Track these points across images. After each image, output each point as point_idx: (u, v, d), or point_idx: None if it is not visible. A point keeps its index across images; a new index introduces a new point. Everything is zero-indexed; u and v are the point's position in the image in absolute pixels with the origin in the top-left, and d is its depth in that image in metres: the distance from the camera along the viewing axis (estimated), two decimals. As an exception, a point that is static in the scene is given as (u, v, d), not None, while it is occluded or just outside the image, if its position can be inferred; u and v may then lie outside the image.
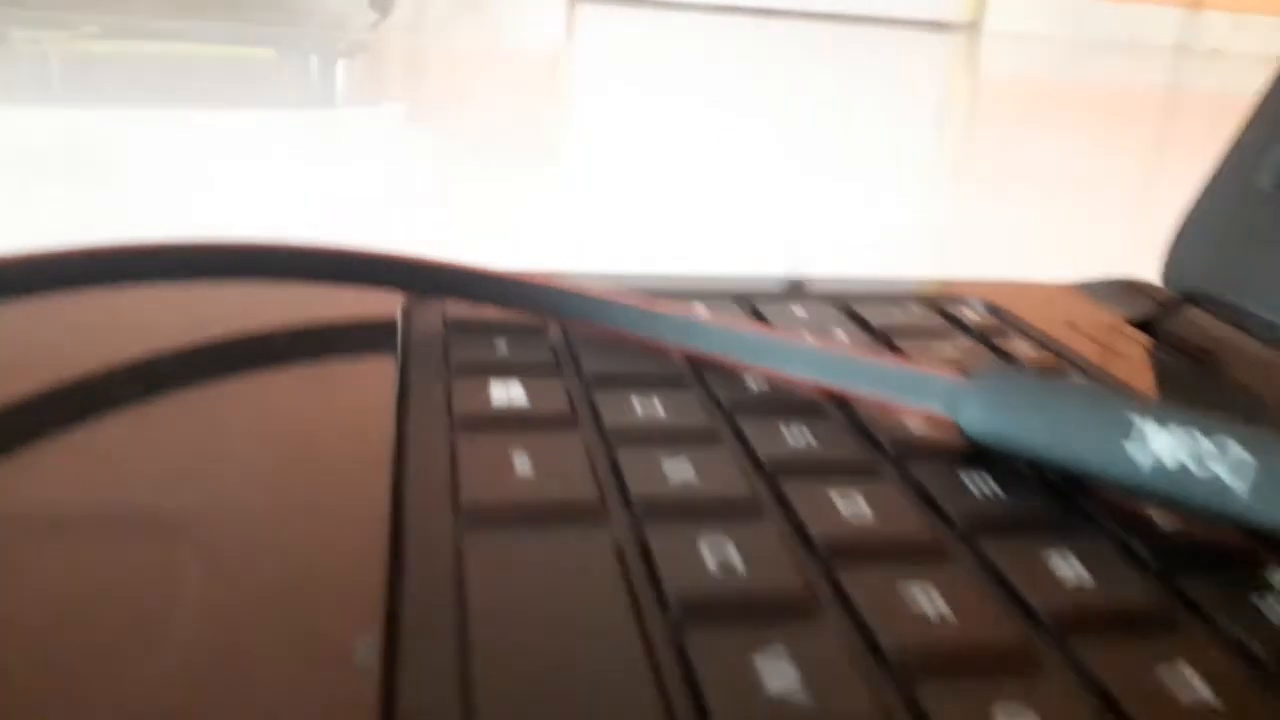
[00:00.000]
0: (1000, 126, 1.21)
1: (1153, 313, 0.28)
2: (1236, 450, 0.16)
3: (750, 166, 0.84)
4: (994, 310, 0.28)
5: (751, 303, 0.27)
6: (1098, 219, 0.72)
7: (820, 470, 0.18)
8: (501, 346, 0.22)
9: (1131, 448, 0.17)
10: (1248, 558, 0.16)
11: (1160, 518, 0.17)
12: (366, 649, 0.13)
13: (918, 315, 0.27)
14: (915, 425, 0.20)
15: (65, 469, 0.16)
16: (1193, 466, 0.17)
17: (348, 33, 1.57)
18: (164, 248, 0.21)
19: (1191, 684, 0.13)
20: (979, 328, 0.26)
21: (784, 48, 1.97)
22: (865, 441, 0.20)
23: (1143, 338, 0.27)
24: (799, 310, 0.27)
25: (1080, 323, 0.28)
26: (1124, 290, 0.30)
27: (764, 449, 0.19)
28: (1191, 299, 0.29)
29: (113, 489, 0.16)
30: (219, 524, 0.15)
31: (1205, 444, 0.17)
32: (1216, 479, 0.16)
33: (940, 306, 0.28)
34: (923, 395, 0.20)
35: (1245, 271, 0.29)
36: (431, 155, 0.80)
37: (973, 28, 2.93)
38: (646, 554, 0.15)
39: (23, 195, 0.58)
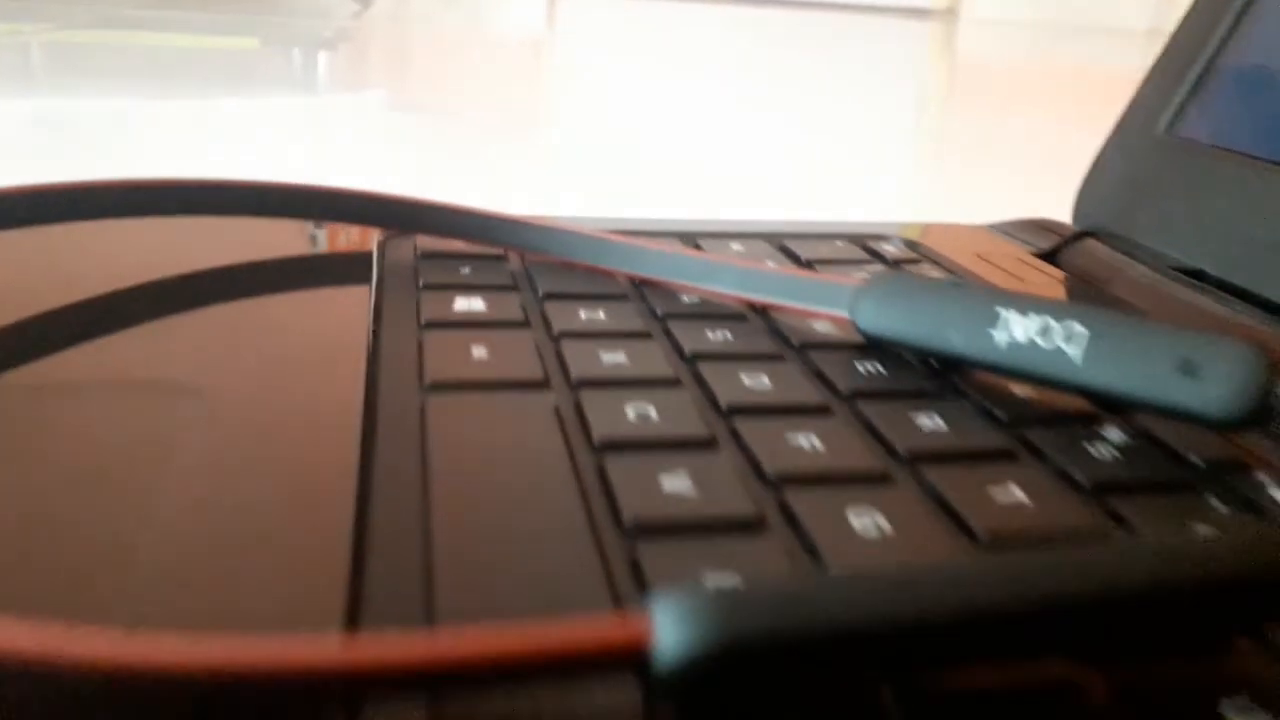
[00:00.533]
0: (974, 106, 1.24)
1: (1055, 245, 0.32)
2: (1075, 326, 0.20)
3: (730, 146, 0.87)
4: (911, 245, 0.31)
5: (694, 240, 0.30)
6: (1062, 184, 0.75)
7: (734, 358, 0.21)
8: (466, 270, 0.25)
9: (995, 332, 0.20)
10: (1082, 414, 0.20)
11: (1017, 389, 0.21)
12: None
13: (841, 249, 0.30)
14: (821, 327, 0.23)
15: (87, 365, 0.20)
16: (1041, 342, 0.20)
17: (330, 22, 1.59)
18: (170, 184, 0.24)
19: (1014, 494, 0.16)
20: (895, 258, 0.30)
21: (764, 35, 1.99)
22: (776, 339, 0.23)
23: (1044, 266, 0.30)
24: (736, 245, 0.30)
25: (989, 255, 0.31)
26: (1032, 227, 0.34)
27: (688, 343, 0.22)
28: (1092, 234, 0.32)
29: (127, 369, 0.19)
30: (222, 394, 0.18)
31: (1052, 323, 0.20)
32: (1059, 350, 0.20)
33: (863, 243, 0.31)
34: (827, 301, 0.23)
35: (1139, 208, 0.33)
36: (413, 140, 0.83)
37: (950, 14, 2.96)
38: (580, 412, 0.18)
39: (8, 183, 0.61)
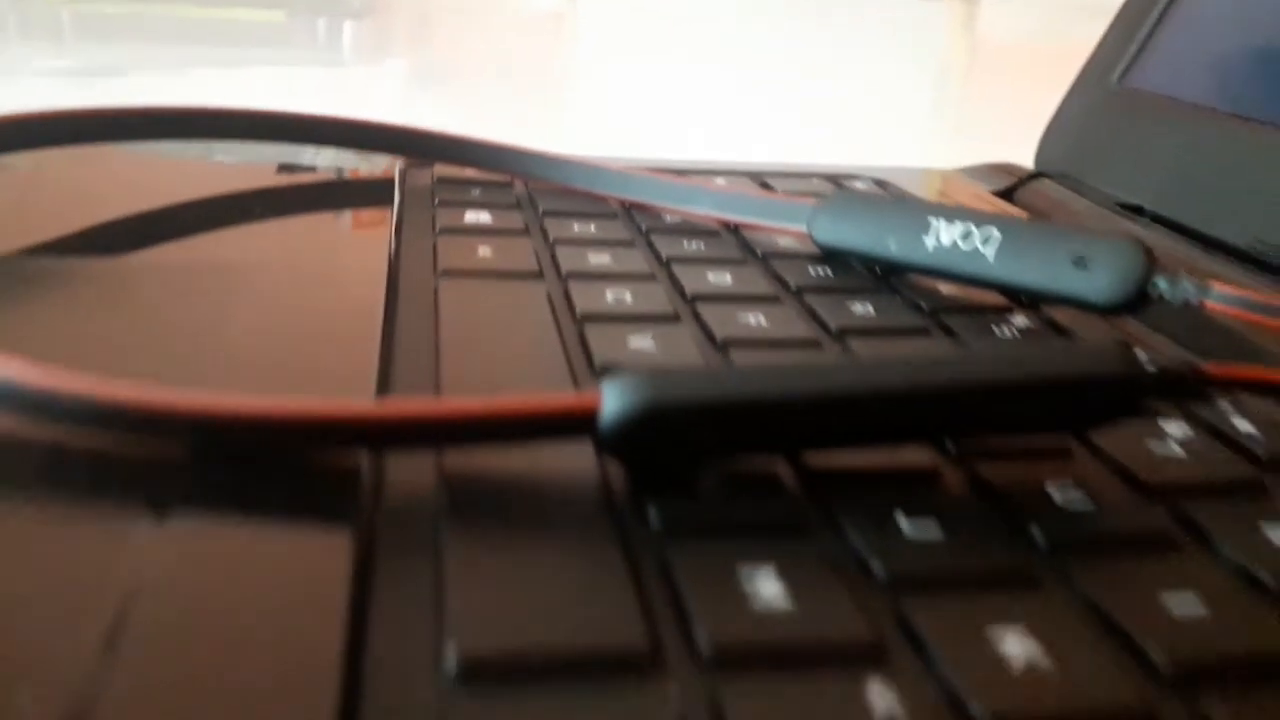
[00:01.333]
0: (993, 82, 1.26)
1: (1011, 184, 0.35)
2: (991, 230, 0.23)
3: (751, 120, 0.90)
4: (880, 184, 0.35)
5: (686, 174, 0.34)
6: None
7: (704, 261, 0.25)
8: (476, 192, 0.29)
9: (926, 238, 0.24)
10: (996, 307, 0.23)
11: (943, 288, 0.24)
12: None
13: (815, 185, 0.33)
14: (785, 242, 0.27)
15: (123, 281, 0.23)
16: (962, 244, 0.23)
17: (356, -3, 1.62)
18: (207, 111, 0.28)
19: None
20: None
21: (787, 11, 2.01)
22: (743, 249, 0.26)
23: (999, 202, 0.34)
24: (720, 180, 0.33)
25: (949, 192, 0.34)
26: (995, 170, 0.37)
27: (665, 250, 0.25)
28: (1046, 175, 0.36)
29: (193, 257, 0.23)
30: (274, 275, 0.22)
31: (973, 228, 0.23)
32: (976, 250, 0.23)
33: (836, 180, 0.34)
34: (788, 218, 0.26)
35: (1088, 152, 0.36)
36: (435, 109, 0.87)
37: (971, -6, 2.96)
38: (567, 296, 0.22)
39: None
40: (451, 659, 0.11)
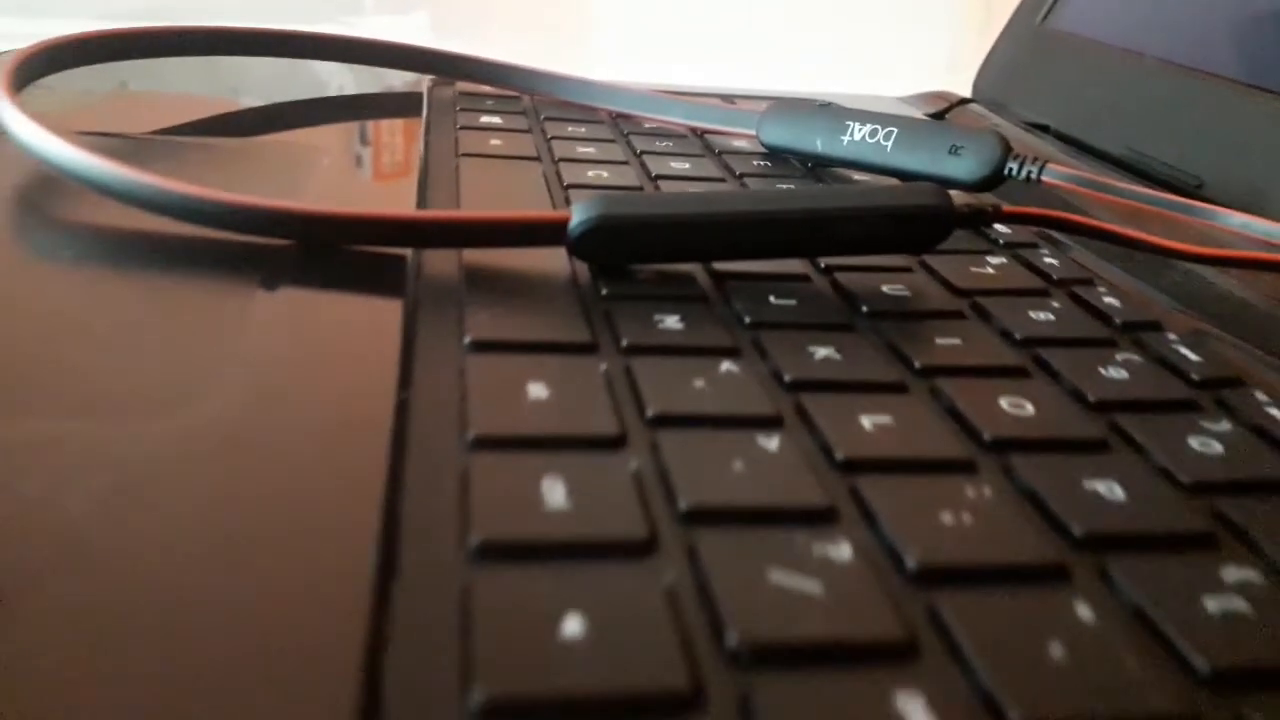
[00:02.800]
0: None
1: (942, 109, 0.41)
2: (890, 127, 0.29)
3: (775, 64, 0.95)
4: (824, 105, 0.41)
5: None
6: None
7: (670, 155, 0.31)
8: (490, 104, 0.35)
9: (844, 137, 0.30)
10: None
11: (855, 177, 0.30)
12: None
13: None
14: (737, 142, 0.33)
15: (242, 152, 0.30)
16: (869, 139, 0.30)
17: (380, -52, 1.67)
18: (246, 31, 0.34)
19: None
20: (815, 111, 0.39)
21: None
22: (704, 148, 0.33)
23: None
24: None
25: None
26: (932, 97, 0.43)
27: (640, 145, 0.32)
28: (973, 100, 0.42)
29: (267, 143, 0.29)
30: (329, 157, 0.29)
31: (878, 127, 0.30)
32: (879, 143, 0.29)
33: (796, 102, 0.41)
34: (741, 123, 0.33)
35: (1010, 82, 0.42)
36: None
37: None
38: (558, 174, 0.28)
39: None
40: (468, 338, 0.17)
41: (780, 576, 0.12)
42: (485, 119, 0.33)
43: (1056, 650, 0.11)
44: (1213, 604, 0.12)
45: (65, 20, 0.33)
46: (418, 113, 0.35)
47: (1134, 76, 0.36)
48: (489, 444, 0.14)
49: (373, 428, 0.15)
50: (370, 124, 0.34)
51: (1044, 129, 0.39)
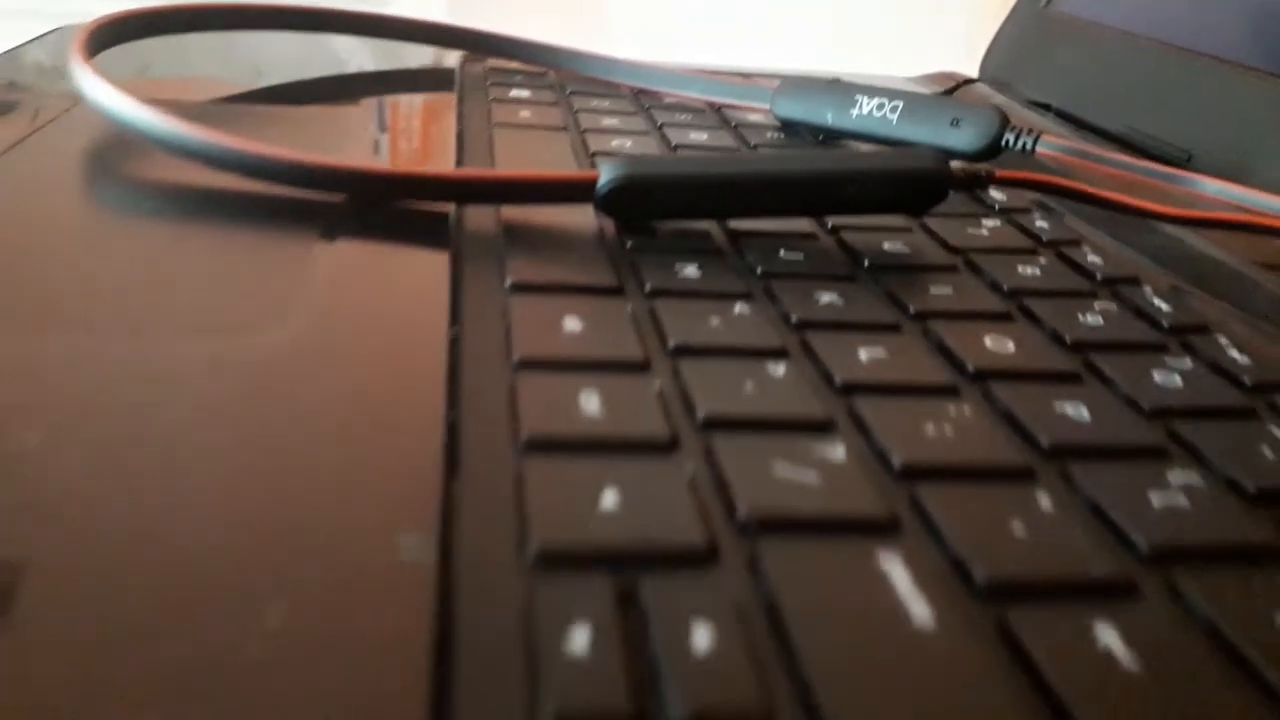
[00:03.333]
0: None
1: (949, 88, 0.43)
2: (897, 101, 0.31)
3: (792, 41, 0.97)
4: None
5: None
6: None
7: (689, 127, 0.33)
8: (519, 79, 0.37)
9: (853, 110, 0.32)
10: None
11: (863, 148, 0.32)
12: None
13: (790, 82, 0.42)
14: (752, 116, 0.35)
15: (294, 119, 0.32)
16: (876, 113, 0.31)
17: (401, -69, 1.69)
18: (302, 8, 0.37)
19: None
20: (827, 89, 0.41)
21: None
22: (721, 120, 0.35)
23: (939, 101, 0.42)
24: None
25: (900, 91, 0.42)
26: (940, 77, 0.45)
27: (660, 118, 0.34)
28: (978, 80, 0.44)
29: (311, 113, 0.32)
30: (370, 128, 0.31)
31: (885, 101, 0.31)
32: (885, 116, 0.31)
33: (809, 80, 0.42)
34: (756, 98, 0.35)
35: (1015, 62, 0.44)
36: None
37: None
38: (584, 142, 0.31)
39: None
40: (509, 280, 0.19)
41: (783, 469, 0.14)
42: (515, 92, 0.35)
43: (1018, 528, 0.13)
44: (1157, 499, 0.15)
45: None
46: (449, 88, 0.37)
47: (1131, 57, 0.38)
48: (532, 365, 0.17)
49: (430, 354, 0.17)
50: (389, 110, 0.36)
51: (1046, 107, 0.40)
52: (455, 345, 0.18)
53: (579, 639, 0.11)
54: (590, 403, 0.15)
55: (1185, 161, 0.33)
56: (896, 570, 0.12)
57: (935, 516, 0.13)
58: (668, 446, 0.15)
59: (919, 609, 0.12)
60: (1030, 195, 0.29)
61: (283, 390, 0.16)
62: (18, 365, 0.16)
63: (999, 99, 0.41)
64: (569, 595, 0.11)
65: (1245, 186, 0.26)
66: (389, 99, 0.35)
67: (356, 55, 0.41)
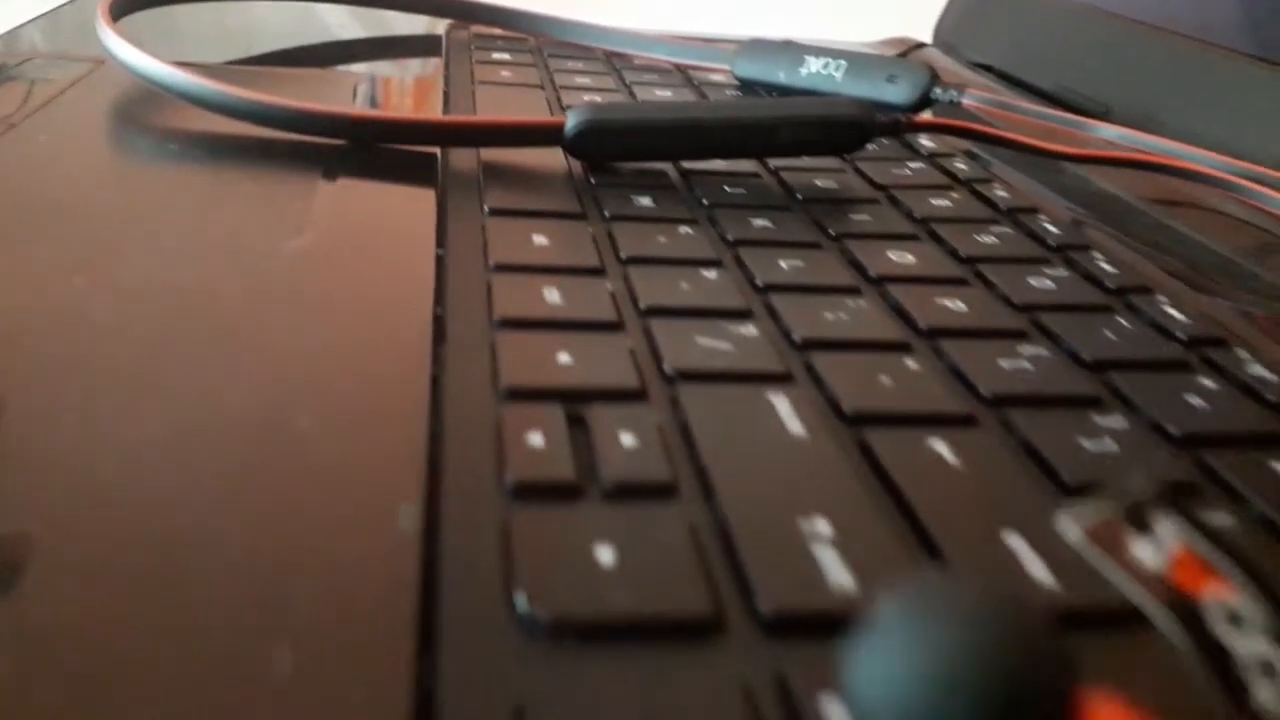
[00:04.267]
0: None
1: (901, 51, 0.46)
2: (841, 61, 0.35)
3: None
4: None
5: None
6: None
7: (655, 85, 0.37)
8: (500, 44, 0.41)
9: (802, 69, 0.36)
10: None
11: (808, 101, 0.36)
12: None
13: (753, 47, 0.45)
14: (715, 76, 0.39)
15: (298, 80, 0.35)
16: (823, 71, 0.35)
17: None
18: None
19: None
20: (787, 53, 0.44)
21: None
22: (685, 80, 0.38)
23: (891, 63, 0.45)
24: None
25: (855, 55, 0.46)
26: (894, 42, 0.48)
27: (629, 77, 0.37)
28: (928, 44, 0.47)
29: (308, 74, 0.35)
30: (363, 84, 0.34)
31: (830, 60, 0.35)
32: (831, 74, 0.35)
33: (771, 45, 0.46)
34: (717, 59, 0.38)
35: (962, 27, 0.47)
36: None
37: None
38: (559, 98, 0.34)
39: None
40: (487, 207, 0.23)
41: (704, 340, 0.18)
42: (496, 55, 0.39)
43: (886, 380, 0.17)
44: (1087, 443, 0.17)
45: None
46: (437, 53, 0.40)
47: (1062, 22, 0.41)
48: (505, 269, 0.20)
49: (421, 265, 0.21)
50: (380, 71, 0.39)
51: (988, 68, 0.44)
52: (441, 259, 0.21)
53: (535, 439, 0.14)
54: (552, 295, 0.19)
55: (1105, 114, 0.36)
56: (783, 404, 0.16)
57: (821, 372, 0.17)
58: (615, 326, 0.18)
59: (795, 426, 0.15)
60: (959, 144, 0.33)
61: (296, 290, 0.19)
62: (68, 264, 0.19)
63: (945, 61, 0.45)
64: (530, 414, 0.15)
65: (1138, 131, 0.30)
66: (381, 63, 0.38)
67: (349, 27, 0.44)
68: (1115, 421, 0.17)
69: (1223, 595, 0.08)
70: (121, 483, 0.13)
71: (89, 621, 0.11)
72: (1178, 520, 0.09)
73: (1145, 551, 0.09)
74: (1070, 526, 0.09)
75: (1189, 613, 0.08)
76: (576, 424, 0.15)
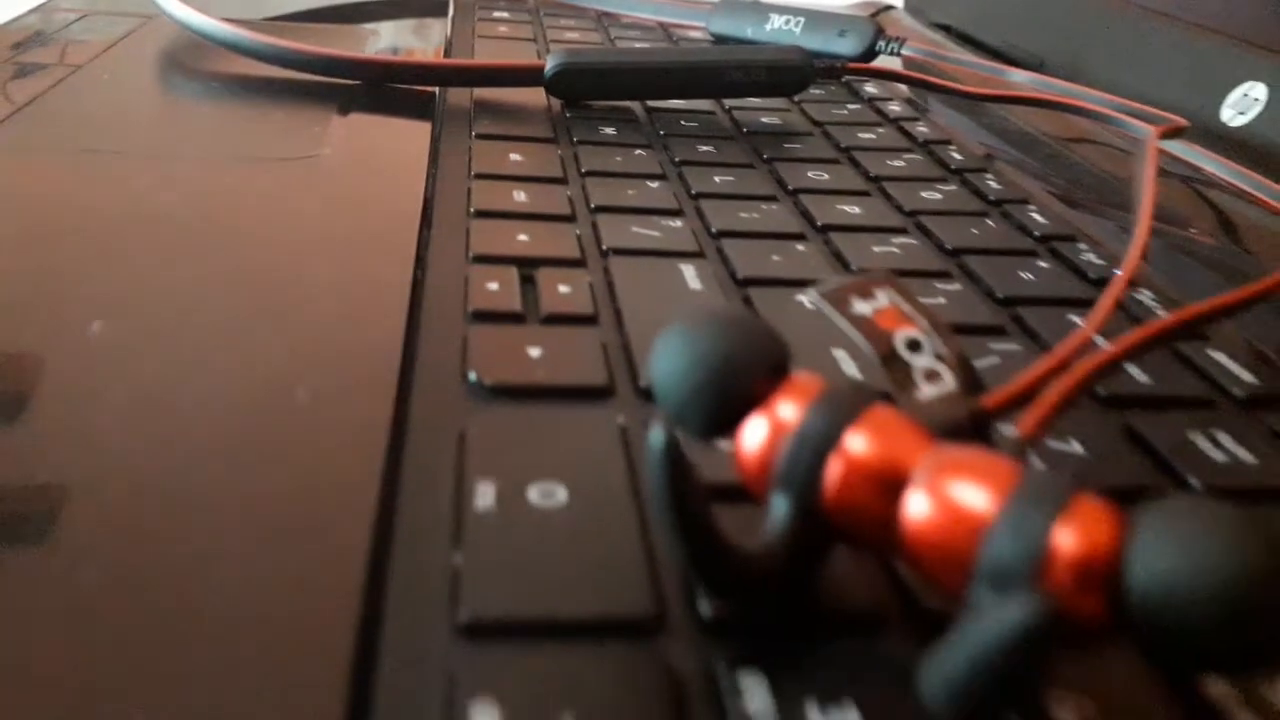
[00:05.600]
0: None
1: (871, 13, 0.50)
2: (800, 17, 0.39)
3: None
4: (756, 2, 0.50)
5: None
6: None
7: (635, 39, 0.41)
8: (503, 6, 0.45)
9: (766, 25, 0.40)
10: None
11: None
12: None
13: (733, 8, 0.49)
14: (693, 33, 0.43)
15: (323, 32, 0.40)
16: (784, 26, 0.39)
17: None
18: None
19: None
20: (764, 13, 0.49)
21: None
22: (666, 37, 0.42)
23: (860, 23, 0.49)
24: (668, 4, 0.49)
25: (827, 16, 0.50)
26: (864, 5, 0.52)
27: (614, 34, 0.42)
28: (894, 7, 0.51)
29: (328, 27, 0.40)
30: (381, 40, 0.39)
31: (790, 16, 0.39)
32: (790, 29, 0.39)
33: (751, 7, 0.50)
34: (695, 17, 0.43)
35: (929, -10, 0.51)
36: None
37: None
38: (546, 44, 0.38)
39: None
40: (473, 133, 0.28)
41: (638, 229, 0.22)
42: (497, 14, 0.43)
43: (779, 259, 0.22)
44: (921, 299, 0.22)
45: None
46: (443, 14, 0.45)
47: (1014, -17, 0.45)
48: (484, 176, 0.25)
49: (415, 176, 0.25)
50: (390, 26, 0.44)
51: (946, 28, 0.48)
52: (432, 171, 0.26)
53: (493, 285, 0.19)
54: (520, 196, 0.24)
55: (1038, 66, 0.40)
56: (690, 271, 0.20)
57: (727, 252, 0.22)
58: (568, 219, 0.23)
59: (695, 284, 0.20)
60: (900, 90, 0.37)
61: (312, 188, 0.24)
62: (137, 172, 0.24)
63: (909, 21, 0.49)
64: (491, 272, 0.19)
65: (1047, 76, 0.34)
66: (390, 23, 0.43)
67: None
68: (953, 286, 0.21)
69: (909, 332, 0.13)
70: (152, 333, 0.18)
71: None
72: (893, 294, 0.13)
73: (863, 308, 0.13)
74: (817, 291, 0.13)
75: (884, 340, 0.13)
76: (527, 281, 0.20)
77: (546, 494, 0.14)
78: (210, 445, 0.14)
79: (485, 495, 0.13)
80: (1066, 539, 0.10)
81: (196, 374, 0.16)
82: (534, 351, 0.17)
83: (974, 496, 0.10)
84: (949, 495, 0.11)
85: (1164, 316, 0.17)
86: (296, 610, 0.11)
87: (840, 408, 0.12)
